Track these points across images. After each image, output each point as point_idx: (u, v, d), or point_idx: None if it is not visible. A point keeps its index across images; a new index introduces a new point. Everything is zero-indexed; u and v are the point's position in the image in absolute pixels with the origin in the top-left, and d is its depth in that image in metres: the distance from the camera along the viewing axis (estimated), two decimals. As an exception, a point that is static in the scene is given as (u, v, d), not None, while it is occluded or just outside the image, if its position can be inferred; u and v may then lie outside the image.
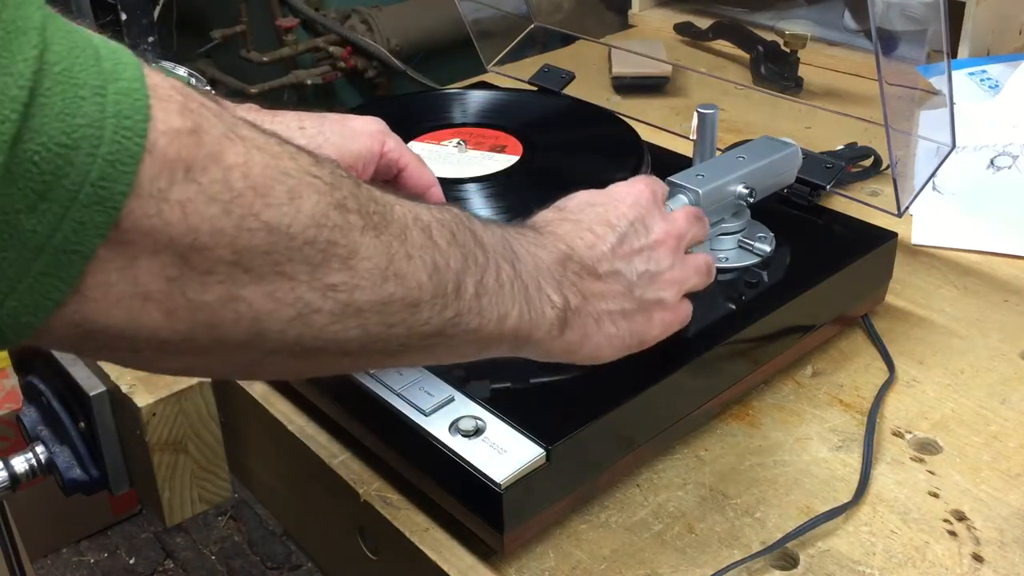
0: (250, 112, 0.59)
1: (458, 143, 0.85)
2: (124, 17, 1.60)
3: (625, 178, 0.78)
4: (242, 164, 0.36)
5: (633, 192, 0.59)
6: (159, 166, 0.34)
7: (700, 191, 0.69)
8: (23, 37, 0.31)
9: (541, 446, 0.56)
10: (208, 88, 0.60)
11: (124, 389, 0.71)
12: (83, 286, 0.34)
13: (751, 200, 0.72)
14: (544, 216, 0.58)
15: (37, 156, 0.31)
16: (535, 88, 1.04)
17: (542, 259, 0.53)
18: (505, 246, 0.50)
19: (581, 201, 0.59)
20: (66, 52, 0.33)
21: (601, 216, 0.57)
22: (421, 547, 0.59)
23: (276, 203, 0.37)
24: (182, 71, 0.58)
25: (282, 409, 0.71)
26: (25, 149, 0.31)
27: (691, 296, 0.61)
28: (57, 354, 0.77)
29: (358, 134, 0.60)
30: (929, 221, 0.91)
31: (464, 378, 0.62)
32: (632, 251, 0.57)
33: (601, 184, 0.77)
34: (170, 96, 0.35)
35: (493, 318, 0.48)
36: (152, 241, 0.34)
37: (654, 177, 0.62)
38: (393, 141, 0.62)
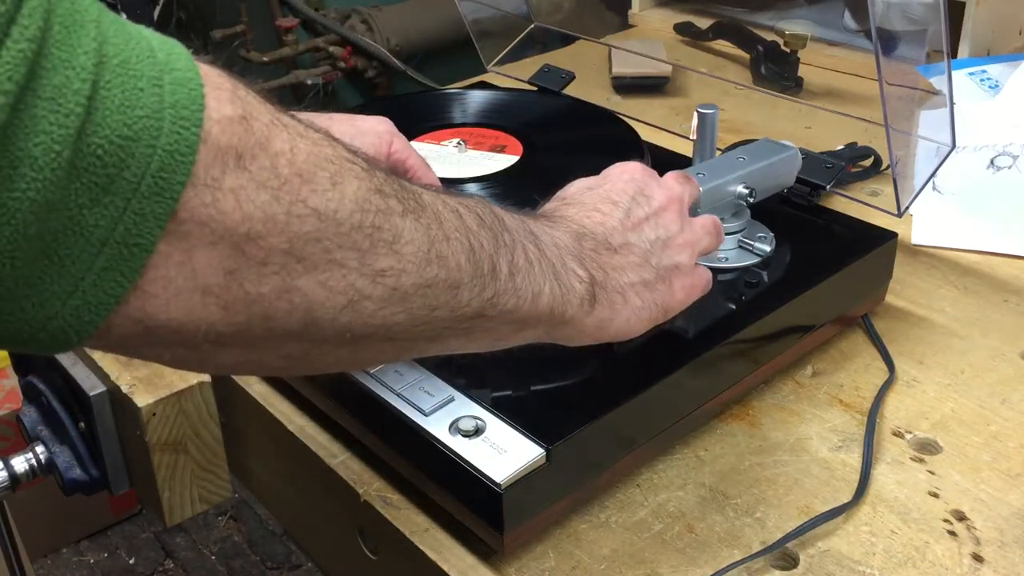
0: None
1: (458, 143, 0.85)
2: (124, 17, 1.60)
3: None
4: (288, 151, 0.37)
5: (628, 170, 0.61)
6: (213, 154, 0.34)
7: (701, 190, 0.69)
8: (82, 31, 0.31)
9: (541, 446, 0.56)
10: None
11: (124, 389, 0.71)
12: (143, 281, 0.34)
13: (751, 200, 0.72)
14: (548, 207, 0.59)
15: (100, 149, 0.31)
16: (535, 88, 1.04)
17: (559, 238, 0.54)
18: (525, 228, 0.51)
19: (579, 187, 0.60)
20: (123, 44, 0.33)
21: (603, 196, 0.59)
22: (421, 547, 0.59)
23: (321, 189, 0.37)
24: None
25: (282, 409, 0.71)
26: (89, 143, 0.31)
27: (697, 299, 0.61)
28: (57, 354, 0.77)
29: (366, 134, 0.60)
30: (929, 221, 0.91)
31: (464, 378, 0.62)
32: (640, 221, 0.58)
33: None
34: (221, 84, 0.35)
35: (528, 296, 0.49)
36: (209, 232, 0.34)
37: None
38: (400, 141, 0.62)
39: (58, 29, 0.31)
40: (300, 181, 0.37)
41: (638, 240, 0.57)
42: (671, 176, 0.63)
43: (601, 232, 0.56)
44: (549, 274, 0.50)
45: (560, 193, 0.61)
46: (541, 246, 0.51)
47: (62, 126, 0.30)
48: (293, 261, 0.37)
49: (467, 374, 0.62)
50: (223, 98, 0.35)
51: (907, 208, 0.81)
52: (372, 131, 0.61)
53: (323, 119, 0.60)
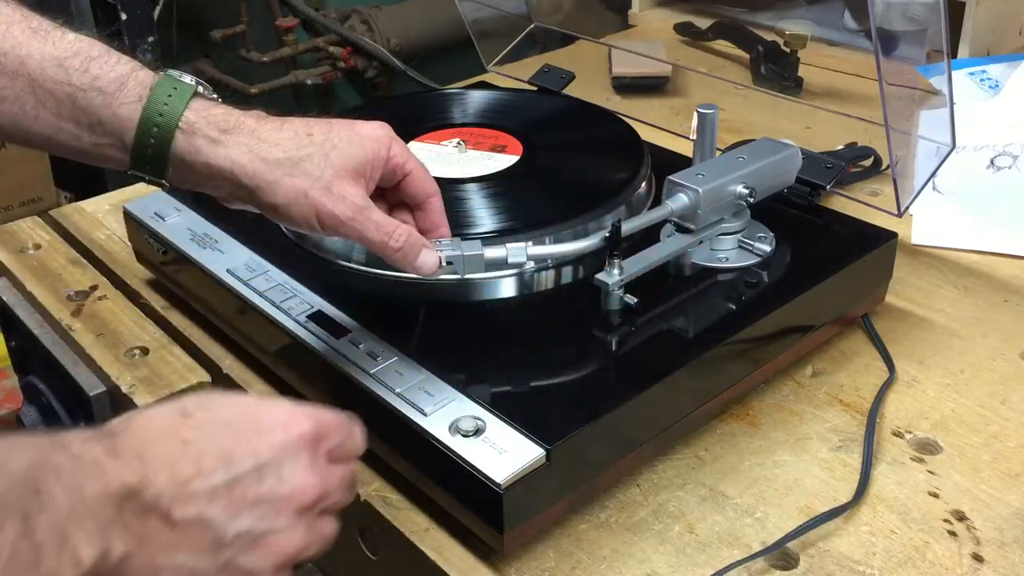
0: (258, 119, 0.59)
1: (458, 143, 0.84)
2: (124, 17, 1.60)
3: (625, 178, 0.78)
4: None
5: (291, 427, 0.48)
6: None
7: (701, 190, 0.69)
8: None
9: (541, 446, 0.56)
10: (215, 97, 0.60)
11: (124, 389, 0.71)
12: None
13: (751, 200, 0.72)
14: (152, 419, 0.47)
15: None
16: (535, 88, 1.04)
17: (87, 494, 0.41)
18: (26, 489, 0.39)
19: (218, 416, 0.47)
20: None
21: (225, 445, 0.46)
22: (421, 547, 0.59)
23: None
24: (188, 79, 0.58)
25: (282, 409, 0.71)
26: None
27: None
28: (57, 354, 0.77)
29: (365, 139, 0.60)
30: (929, 221, 0.91)
31: (464, 378, 0.62)
32: (246, 501, 0.45)
33: (601, 184, 0.78)
34: None
35: None
36: None
37: (333, 419, 0.51)
38: (399, 147, 0.62)
39: None
40: None
41: (223, 522, 0.45)
42: (341, 472, 0.50)
43: (170, 494, 0.43)
44: (24, 563, 0.38)
45: (195, 403, 0.48)
46: (37, 519, 0.39)
47: None
48: None
49: (468, 374, 0.62)
50: None
51: (907, 208, 0.81)
52: (372, 136, 0.61)
53: (324, 125, 0.60)
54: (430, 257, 0.61)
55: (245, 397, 0.50)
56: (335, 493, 0.49)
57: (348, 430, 0.51)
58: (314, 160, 0.58)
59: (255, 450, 0.46)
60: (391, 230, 0.59)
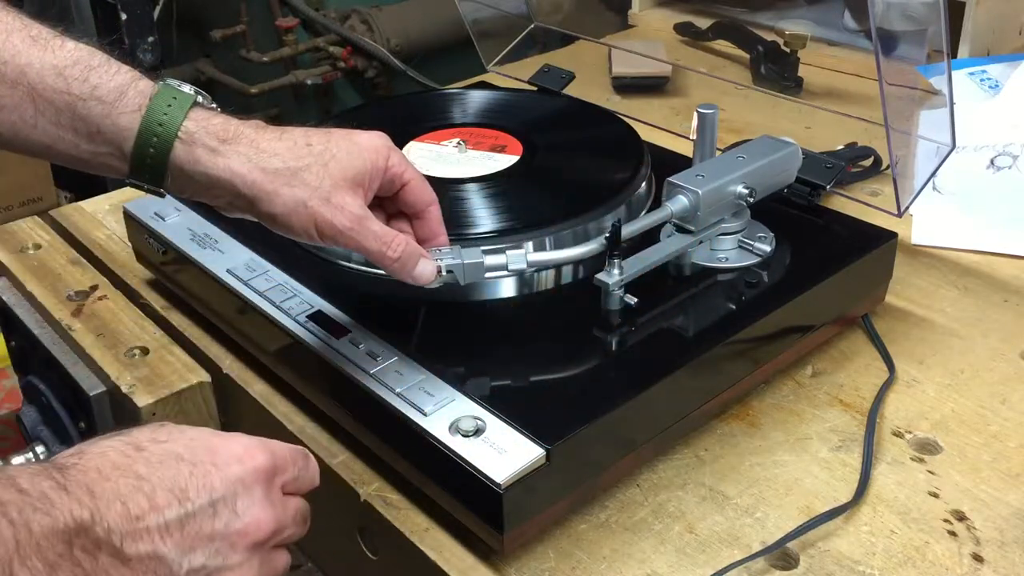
0: (257, 129, 0.59)
1: (458, 143, 0.85)
2: (124, 17, 1.60)
3: (625, 178, 0.78)
4: None
5: (246, 461, 0.48)
6: None
7: (700, 191, 0.69)
8: None
9: (541, 446, 0.56)
10: (215, 106, 0.60)
11: (124, 389, 0.71)
12: None
13: (751, 200, 0.72)
14: (104, 453, 0.46)
15: None
16: (535, 88, 1.04)
17: (34, 530, 0.40)
18: None
19: (173, 450, 0.47)
20: None
21: (179, 479, 0.46)
22: (421, 547, 0.59)
23: None
24: (188, 88, 0.59)
25: (282, 409, 0.71)
26: None
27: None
28: (57, 354, 0.77)
29: (364, 149, 0.60)
30: (929, 221, 0.91)
31: (464, 377, 0.62)
32: (198, 537, 0.45)
33: (601, 185, 0.78)
34: None
35: None
36: None
37: (287, 452, 0.51)
38: (397, 156, 0.62)
39: None
40: None
41: (177, 558, 0.44)
42: (294, 507, 0.50)
43: (122, 530, 0.43)
44: None
45: (148, 435, 0.47)
46: None
47: None
48: None
49: (467, 374, 0.62)
50: None
51: (907, 208, 0.81)
52: (370, 147, 0.60)
53: (322, 136, 0.60)
54: (427, 267, 0.61)
55: (200, 430, 0.49)
56: (289, 527, 0.49)
57: (303, 463, 0.51)
58: (313, 170, 0.58)
59: (210, 484, 0.46)
60: (389, 240, 0.59)
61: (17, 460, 0.75)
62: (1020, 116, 0.99)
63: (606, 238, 0.65)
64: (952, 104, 0.76)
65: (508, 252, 0.64)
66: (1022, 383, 0.72)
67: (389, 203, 0.63)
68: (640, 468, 0.65)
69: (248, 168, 0.57)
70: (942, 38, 0.74)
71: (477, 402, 0.60)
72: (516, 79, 1.11)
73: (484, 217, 0.75)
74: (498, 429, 0.58)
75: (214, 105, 0.60)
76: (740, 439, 0.68)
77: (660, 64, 1.22)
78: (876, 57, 0.72)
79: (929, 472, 0.64)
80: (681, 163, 0.77)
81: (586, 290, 0.67)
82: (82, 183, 1.72)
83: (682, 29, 1.35)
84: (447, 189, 0.78)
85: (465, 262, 0.63)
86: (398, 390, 0.61)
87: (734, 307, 0.69)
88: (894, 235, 0.76)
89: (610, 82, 1.23)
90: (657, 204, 0.73)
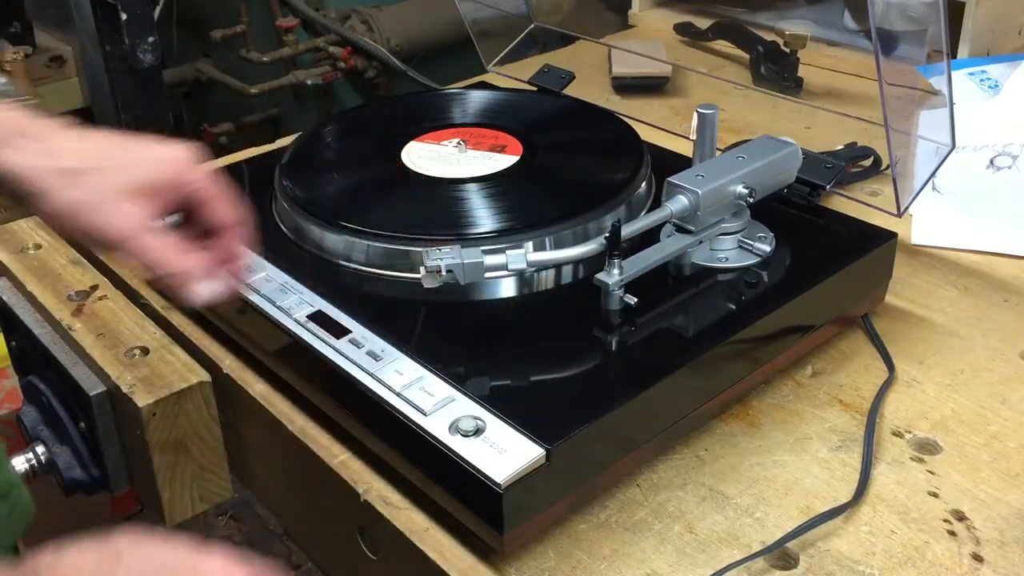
0: (59, 128, 0.58)
1: (458, 143, 0.85)
2: (124, 17, 1.60)
3: (625, 178, 0.78)
4: None
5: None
6: None
7: (700, 191, 0.69)
8: None
9: (541, 446, 0.56)
10: (26, 99, 0.60)
11: (124, 389, 0.71)
12: None
13: (751, 200, 0.72)
14: (82, 558, 0.45)
15: None
16: (535, 88, 1.04)
17: None
18: None
19: (153, 561, 0.47)
20: None
21: None
22: (421, 547, 0.59)
23: None
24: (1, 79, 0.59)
25: (282, 409, 0.71)
26: None
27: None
28: (57, 354, 0.77)
29: (160, 160, 0.59)
30: (929, 221, 0.91)
31: (464, 377, 0.62)
32: None
33: (601, 185, 0.78)
34: None
35: None
36: None
37: (267, 572, 0.50)
38: (199, 173, 0.60)
39: None
40: None
41: None
42: None
43: None
44: None
45: (117, 544, 0.47)
46: None
47: None
48: None
49: (467, 373, 0.62)
50: None
51: (907, 208, 0.81)
52: (164, 159, 0.59)
53: (122, 140, 0.59)
54: (206, 288, 0.60)
55: (179, 542, 0.48)
56: None
57: None
58: (102, 173, 0.57)
59: None
60: (166, 255, 0.58)
61: (17, 460, 0.75)
62: (1020, 116, 0.99)
63: (606, 238, 0.66)
64: (952, 104, 0.76)
65: (508, 252, 0.65)
66: (1022, 383, 0.72)
67: (198, 220, 0.63)
68: (640, 468, 0.65)
69: (34, 164, 0.57)
70: (942, 38, 0.74)
71: (477, 402, 0.60)
72: (516, 79, 1.11)
73: (484, 217, 0.75)
74: (498, 429, 0.58)
75: (26, 98, 0.60)
76: (740, 439, 0.68)
77: (660, 64, 1.22)
78: (876, 57, 0.72)
79: (929, 472, 0.64)
80: (681, 163, 0.77)
81: (586, 290, 0.67)
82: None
83: (682, 29, 1.35)
84: (447, 189, 0.78)
85: (465, 262, 0.63)
86: (398, 390, 0.61)
87: (734, 307, 0.69)
88: (894, 235, 0.76)
89: (610, 82, 1.23)
90: (657, 204, 0.73)
